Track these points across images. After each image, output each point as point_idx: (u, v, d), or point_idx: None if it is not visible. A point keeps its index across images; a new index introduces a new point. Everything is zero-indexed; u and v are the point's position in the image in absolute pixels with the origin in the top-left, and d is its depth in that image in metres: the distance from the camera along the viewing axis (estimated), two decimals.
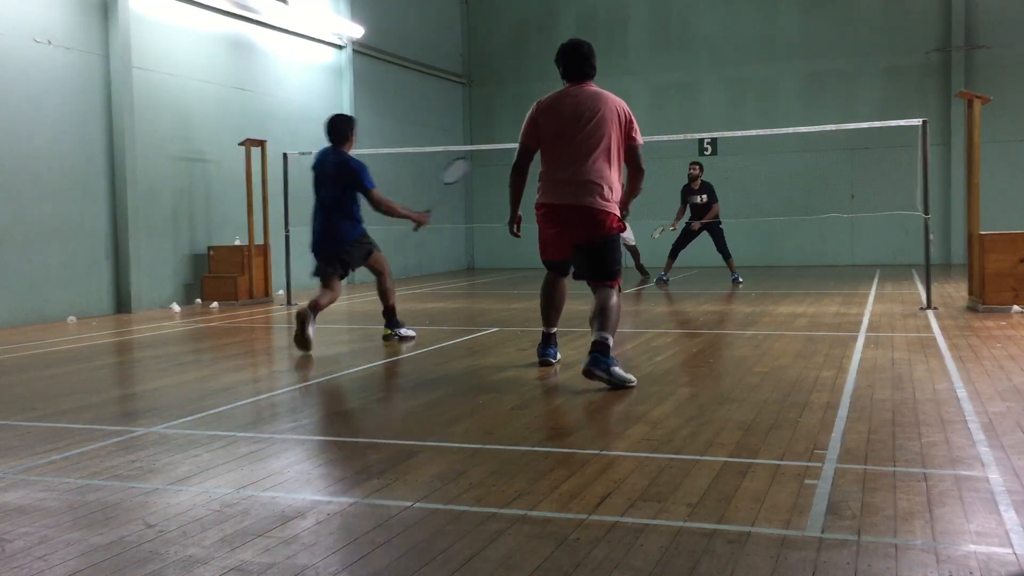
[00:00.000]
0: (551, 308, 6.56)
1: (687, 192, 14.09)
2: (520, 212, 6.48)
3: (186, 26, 13.20)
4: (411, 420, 5.04)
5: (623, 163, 5.98)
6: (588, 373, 5.57)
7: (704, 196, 13.96)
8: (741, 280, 14.11)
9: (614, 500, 3.33)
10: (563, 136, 5.86)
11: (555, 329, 6.60)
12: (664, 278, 14.23)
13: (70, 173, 11.31)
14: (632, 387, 5.60)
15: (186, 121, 13.15)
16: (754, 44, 19.24)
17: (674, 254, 14.22)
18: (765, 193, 18.20)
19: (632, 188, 6.15)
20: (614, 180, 5.87)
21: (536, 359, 6.65)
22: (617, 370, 5.61)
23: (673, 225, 14.15)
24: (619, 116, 5.89)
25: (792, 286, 13.41)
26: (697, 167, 14.05)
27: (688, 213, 14.15)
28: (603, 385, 5.60)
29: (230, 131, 13.73)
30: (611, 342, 5.68)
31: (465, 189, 21.10)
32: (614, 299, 5.85)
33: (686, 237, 14.07)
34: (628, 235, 14.39)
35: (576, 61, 5.99)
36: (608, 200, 5.82)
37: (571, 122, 5.85)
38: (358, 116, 17.22)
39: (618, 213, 5.91)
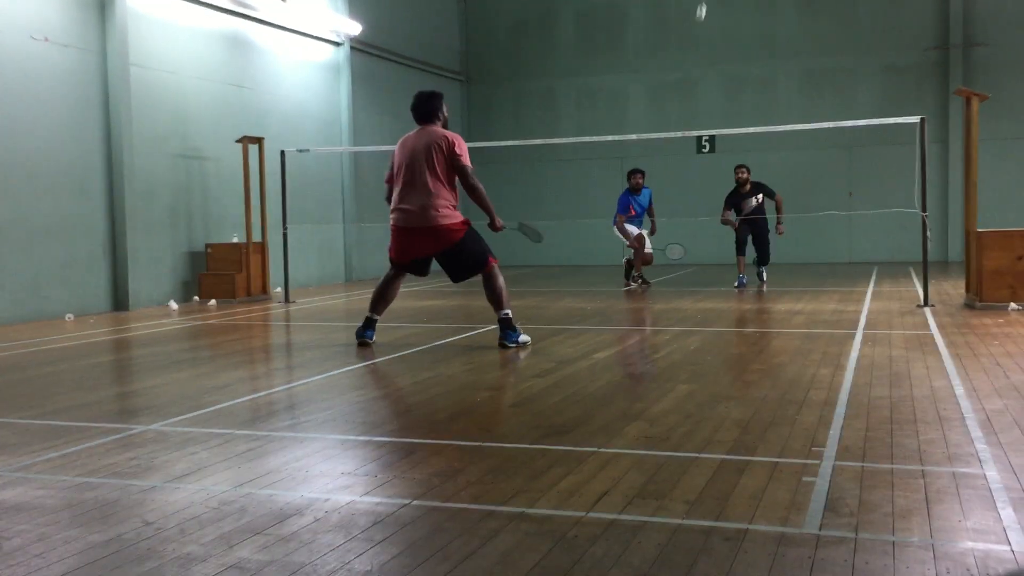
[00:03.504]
0: (382, 299, 7.77)
1: (736, 197, 13.36)
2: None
3: (183, 23, 13.18)
4: (408, 417, 5.04)
5: (456, 182, 7.41)
6: (502, 345, 7.34)
7: (760, 196, 13.28)
8: (763, 280, 13.48)
9: (612, 497, 3.33)
10: (404, 168, 7.34)
11: (377, 317, 7.78)
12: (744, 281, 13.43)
13: (67, 171, 11.30)
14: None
15: (184, 118, 13.14)
16: (752, 42, 19.24)
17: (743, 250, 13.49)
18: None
19: (481, 206, 7.46)
20: (448, 196, 7.31)
21: (535, 355, 6.66)
22: (522, 337, 7.41)
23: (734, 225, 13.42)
24: (443, 145, 7.24)
25: (790, 283, 13.42)
26: (744, 170, 13.27)
27: (734, 217, 13.36)
28: (601, 383, 5.71)
29: (228, 128, 13.71)
30: (511, 314, 7.44)
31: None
32: (496, 280, 7.42)
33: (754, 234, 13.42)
34: (632, 231, 14.02)
35: (417, 108, 7.50)
36: (446, 212, 7.27)
37: (409, 156, 7.32)
38: (356, 113, 17.23)
39: (458, 218, 7.32)
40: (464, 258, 7.38)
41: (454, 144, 7.29)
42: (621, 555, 2.77)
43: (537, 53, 20.68)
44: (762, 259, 13.56)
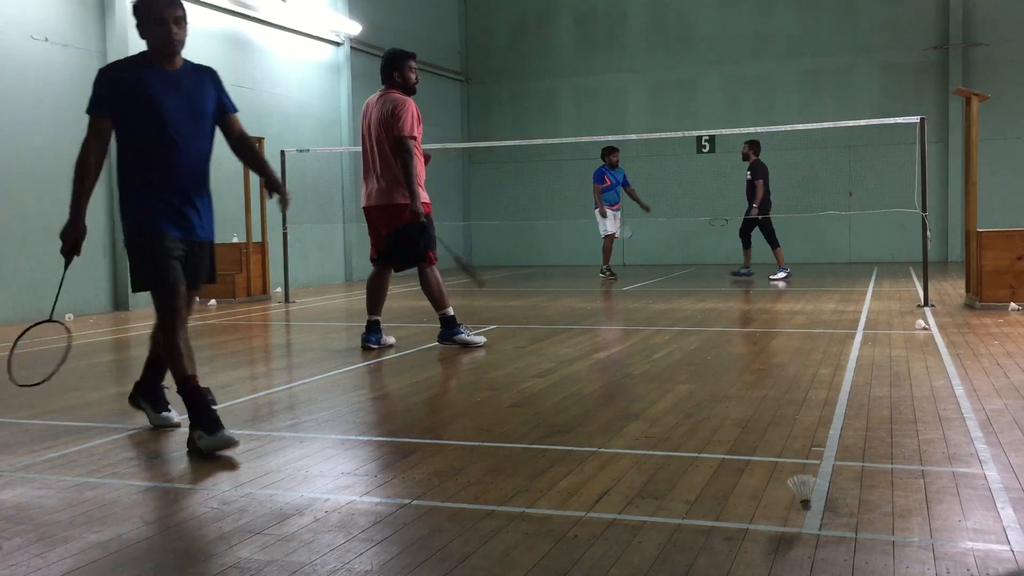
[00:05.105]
0: (376, 298, 7.39)
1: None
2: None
3: None
4: (408, 417, 5.04)
5: (418, 154, 7.01)
6: (440, 342, 7.29)
7: (748, 173, 14.31)
8: (790, 274, 14.31)
9: (612, 497, 3.33)
10: (365, 140, 7.08)
11: (378, 317, 7.39)
12: (745, 272, 14.50)
13: (67, 170, 11.11)
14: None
15: None
16: (752, 41, 19.23)
17: (746, 242, 14.54)
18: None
19: (405, 182, 6.86)
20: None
21: (535, 355, 6.66)
22: (462, 336, 7.25)
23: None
24: (388, 111, 6.88)
25: (790, 283, 13.42)
26: (745, 145, 14.42)
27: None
28: (601, 382, 5.72)
29: None
30: (451, 312, 7.26)
31: (462, 186, 21.09)
32: (431, 277, 7.18)
33: (748, 222, 14.36)
34: (608, 226, 14.77)
35: (381, 67, 7.15)
36: (401, 192, 6.90)
37: (367, 127, 7.04)
38: (356, 114, 17.21)
39: (415, 202, 6.88)
40: (407, 243, 7.04)
41: (394, 112, 6.88)
42: (621, 555, 2.77)
43: (537, 53, 20.67)
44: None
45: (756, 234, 14.48)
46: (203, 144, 4.47)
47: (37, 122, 10.88)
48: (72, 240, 4.41)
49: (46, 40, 11.02)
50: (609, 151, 14.90)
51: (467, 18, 21.37)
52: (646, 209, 14.90)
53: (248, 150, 4.73)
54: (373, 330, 7.39)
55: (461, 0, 21.29)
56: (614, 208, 14.98)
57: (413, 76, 7.15)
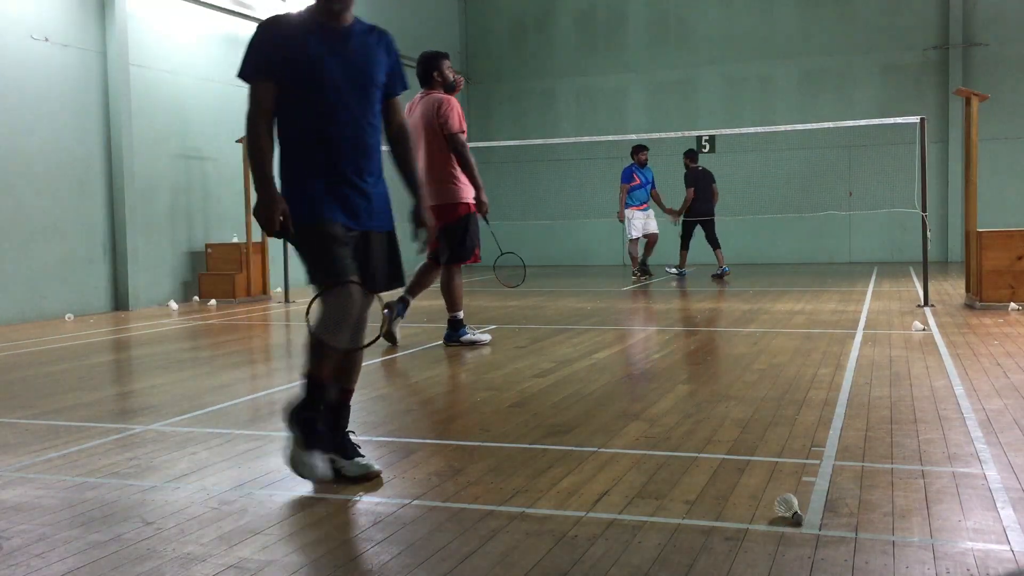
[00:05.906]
0: (417, 281, 7.50)
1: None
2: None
3: (183, 23, 13.18)
4: (408, 417, 5.04)
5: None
6: (445, 344, 7.39)
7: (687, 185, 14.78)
8: (728, 271, 14.52)
9: (612, 497, 3.33)
10: None
11: (410, 298, 7.50)
12: (677, 272, 14.80)
13: (67, 170, 11.30)
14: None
15: (184, 118, 13.13)
16: (752, 41, 19.23)
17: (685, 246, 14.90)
18: (762, 190, 18.22)
19: (468, 177, 7.14)
20: (452, 171, 7.11)
21: (535, 355, 6.67)
22: (467, 337, 7.38)
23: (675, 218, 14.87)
24: (433, 111, 7.02)
25: (789, 283, 13.42)
26: (685, 156, 14.82)
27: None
28: (601, 383, 5.70)
29: (228, 128, 13.69)
30: (460, 316, 7.40)
31: None
32: (452, 280, 7.31)
33: (686, 227, 14.78)
34: (634, 229, 14.67)
35: (417, 72, 7.31)
36: (448, 188, 7.09)
37: (413, 128, 7.02)
38: None
39: (462, 200, 7.12)
40: (447, 245, 7.14)
41: (439, 109, 7.04)
42: (621, 555, 2.77)
43: (537, 53, 20.66)
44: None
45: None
46: (370, 116, 3.75)
47: (37, 122, 10.88)
48: (275, 215, 3.54)
49: (46, 40, 11.02)
50: (638, 149, 14.73)
51: (467, 18, 21.36)
52: (670, 212, 14.83)
53: (403, 149, 3.93)
54: (402, 302, 7.46)
55: (461, 0, 21.28)
56: (643, 208, 14.65)
57: (451, 74, 7.31)
